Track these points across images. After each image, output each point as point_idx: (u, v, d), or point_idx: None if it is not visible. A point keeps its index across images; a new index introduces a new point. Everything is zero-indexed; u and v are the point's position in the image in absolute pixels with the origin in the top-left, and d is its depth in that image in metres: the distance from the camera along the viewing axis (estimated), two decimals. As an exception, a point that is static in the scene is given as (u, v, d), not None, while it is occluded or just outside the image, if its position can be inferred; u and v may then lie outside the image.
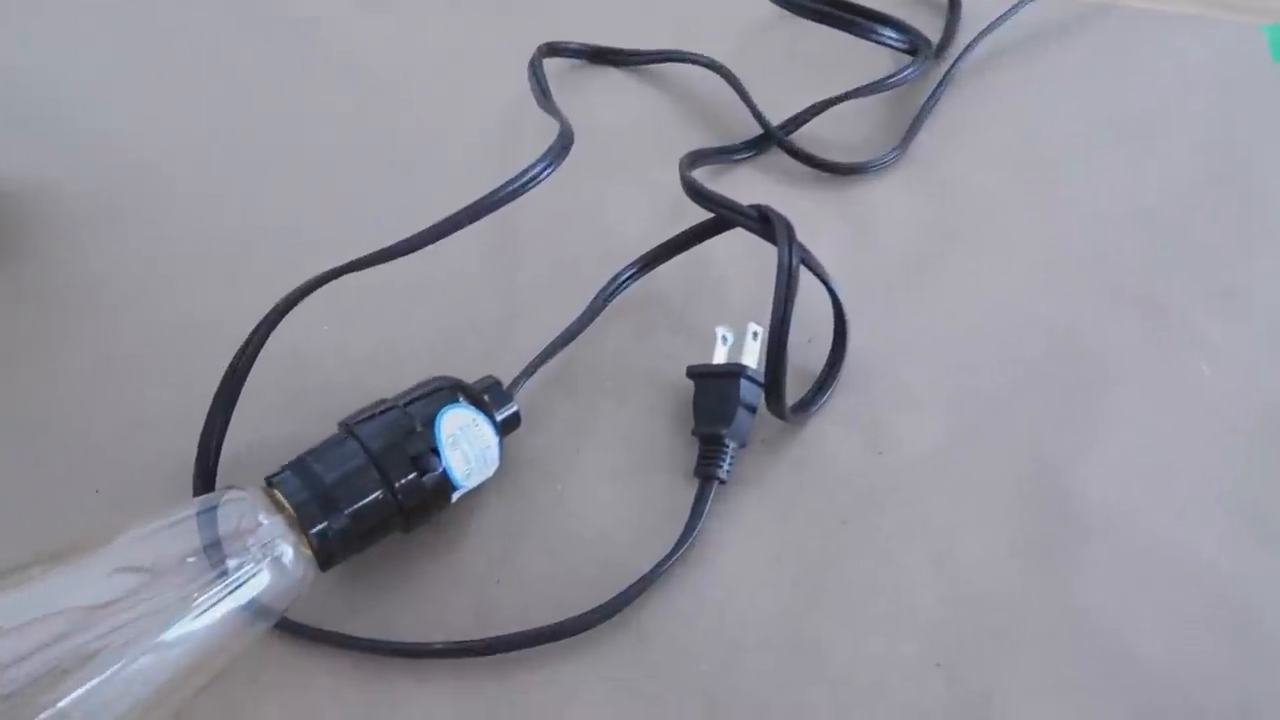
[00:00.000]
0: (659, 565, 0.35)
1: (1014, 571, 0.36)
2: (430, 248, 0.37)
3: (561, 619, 0.34)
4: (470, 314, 0.43)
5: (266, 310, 0.36)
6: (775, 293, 0.35)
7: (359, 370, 0.40)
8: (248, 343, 0.35)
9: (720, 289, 0.43)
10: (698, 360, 0.40)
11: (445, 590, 0.35)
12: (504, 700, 0.33)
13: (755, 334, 0.39)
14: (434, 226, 0.36)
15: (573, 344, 0.41)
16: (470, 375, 0.37)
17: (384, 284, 0.41)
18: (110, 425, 0.39)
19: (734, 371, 0.38)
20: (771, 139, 0.48)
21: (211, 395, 0.36)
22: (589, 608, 0.34)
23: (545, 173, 0.38)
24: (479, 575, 0.36)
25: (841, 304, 0.39)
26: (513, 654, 0.34)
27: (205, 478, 0.36)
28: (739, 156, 0.48)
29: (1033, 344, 0.42)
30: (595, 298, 0.41)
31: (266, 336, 0.35)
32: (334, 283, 0.36)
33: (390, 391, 0.36)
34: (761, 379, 0.38)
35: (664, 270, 0.43)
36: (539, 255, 0.45)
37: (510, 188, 0.37)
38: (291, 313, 0.36)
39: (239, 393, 0.35)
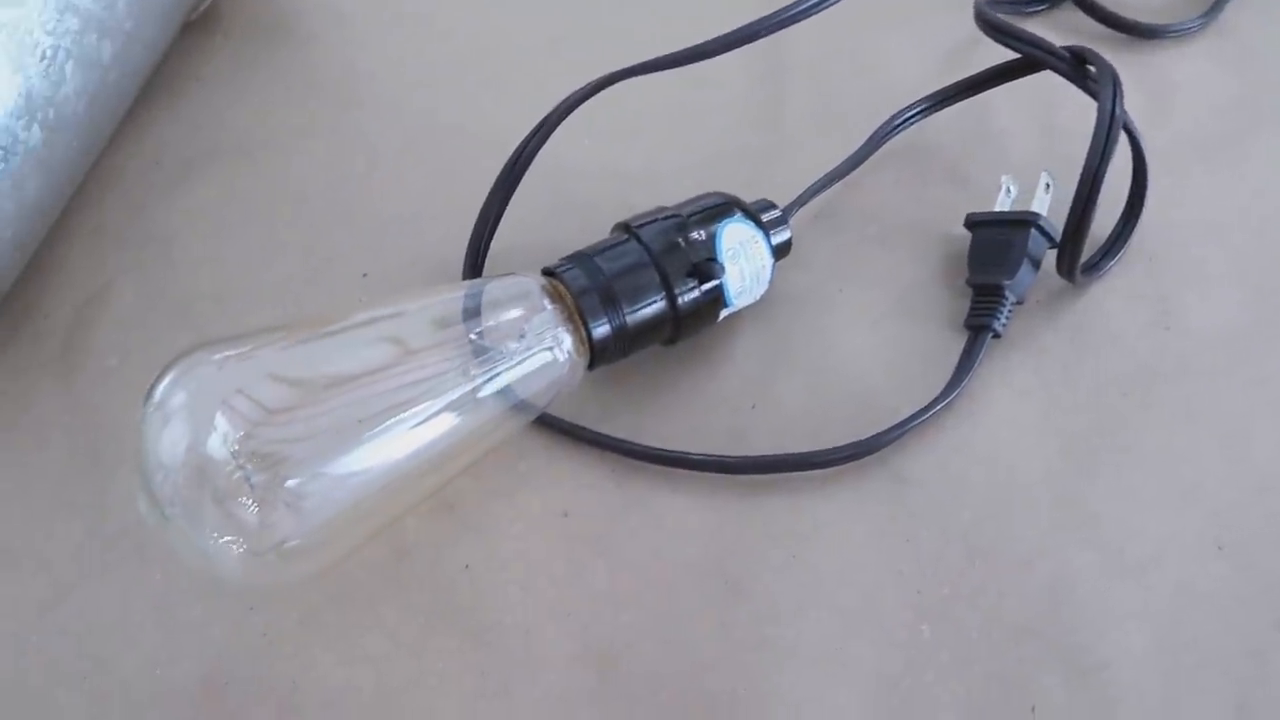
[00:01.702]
0: (925, 409, 0.34)
1: (1313, 465, 0.33)
2: (700, 71, 0.35)
3: (811, 449, 0.33)
4: (734, 140, 0.41)
5: (534, 120, 0.36)
6: (1093, 142, 0.32)
7: (622, 185, 0.40)
8: (534, 133, 0.35)
9: (1000, 142, 0.41)
10: (971, 211, 0.38)
11: (701, 407, 0.35)
12: (752, 520, 0.33)
13: (1048, 185, 0.37)
14: (726, 36, 0.35)
15: (839, 184, 0.39)
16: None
17: (650, 104, 0.40)
18: (377, 214, 0.40)
19: (1026, 220, 0.35)
20: (1066, -9, 0.45)
21: (474, 196, 0.36)
22: (845, 442, 0.33)
23: (839, -6, 0.36)
24: (734, 398, 0.35)
25: (1146, 162, 0.35)
26: (767, 476, 0.33)
27: (474, 268, 0.36)
28: (1031, 10, 0.45)
29: (1345, 236, 0.38)
30: (874, 134, 0.39)
31: (554, 127, 0.35)
32: (601, 98, 0.36)
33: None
34: (1054, 232, 0.35)
35: (940, 119, 0.41)
36: (808, 89, 0.43)
37: (802, 5, 0.36)
38: (558, 126, 0.35)
39: (518, 182, 0.35)
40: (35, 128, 0.33)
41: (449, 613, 0.31)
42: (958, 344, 0.36)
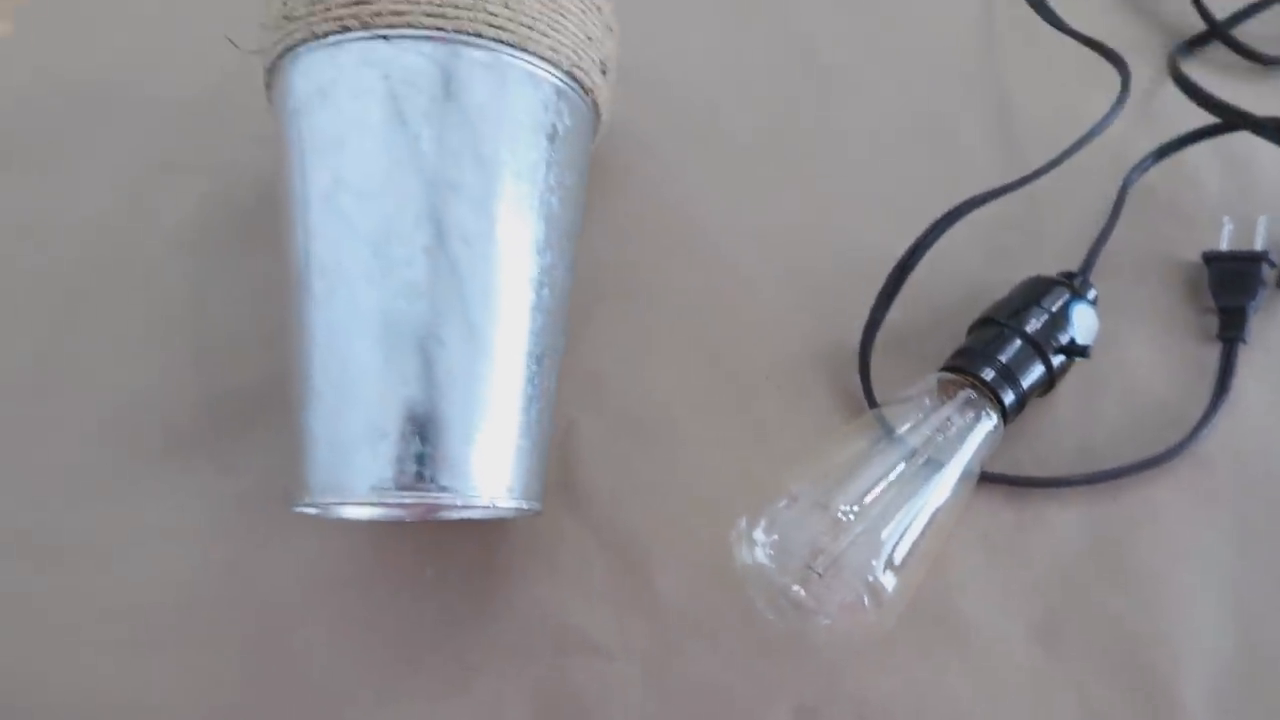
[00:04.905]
0: (1209, 410, 0.46)
1: None
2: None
3: (1145, 456, 0.46)
4: (995, 223, 0.51)
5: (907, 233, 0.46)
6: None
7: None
8: (920, 243, 0.45)
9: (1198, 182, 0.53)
10: (1198, 245, 0.50)
11: (1049, 435, 0.47)
12: (1116, 518, 0.45)
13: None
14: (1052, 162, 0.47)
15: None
16: (1022, 273, 0.48)
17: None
18: (753, 321, 0.49)
19: (1259, 257, 0.48)
20: (1215, 34, 0.55)
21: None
22: (1163, 445, 0.46)
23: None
24: (1071, 422, 0.47)
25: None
26: (1119, 481, 0.46)
27: (863, 367, 0.47)
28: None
29: None
30: (1121, 188, 0.50)
31: (939, 235, 0.45)
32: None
33: (961, 292, 0.48)
34: (1276, 261, 0.48)
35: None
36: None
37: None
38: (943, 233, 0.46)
39: (900, 287, 0.46)
40: (546, 362, 0.41)
41: (931, 624, 0.43)
42: (1212, 352, 0.48)
